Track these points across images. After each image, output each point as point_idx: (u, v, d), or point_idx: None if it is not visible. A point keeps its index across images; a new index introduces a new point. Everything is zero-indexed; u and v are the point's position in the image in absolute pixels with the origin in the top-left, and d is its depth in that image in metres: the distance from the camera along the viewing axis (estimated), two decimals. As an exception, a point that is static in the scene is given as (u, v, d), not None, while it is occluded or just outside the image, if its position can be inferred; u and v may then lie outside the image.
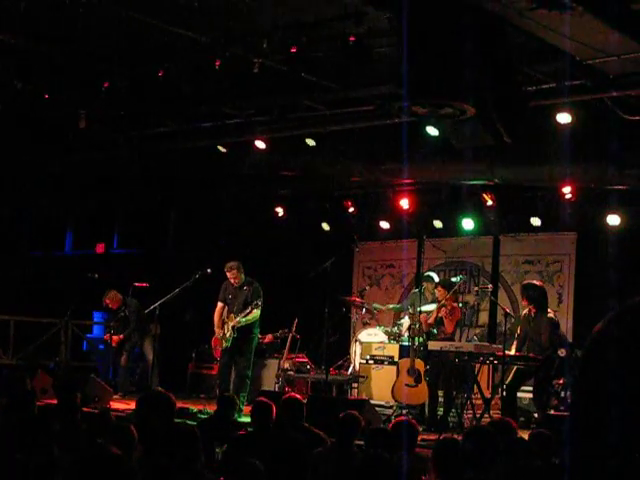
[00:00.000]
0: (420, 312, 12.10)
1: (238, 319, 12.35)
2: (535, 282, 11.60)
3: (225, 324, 12.54)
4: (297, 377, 13.66)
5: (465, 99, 7.91)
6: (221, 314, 12.68)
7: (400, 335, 13.03)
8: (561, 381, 11.14)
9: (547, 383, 10.86)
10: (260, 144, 13.29)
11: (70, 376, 13.19)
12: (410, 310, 12.30)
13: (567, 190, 12.69)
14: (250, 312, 12.29)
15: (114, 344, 13.83)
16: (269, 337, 14.18)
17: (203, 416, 10.65)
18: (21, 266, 17.84)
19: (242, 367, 12.48)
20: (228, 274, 12.61)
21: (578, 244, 13.75)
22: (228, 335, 12.45)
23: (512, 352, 10.89)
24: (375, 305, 14.15)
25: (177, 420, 7.25)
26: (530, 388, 11.17)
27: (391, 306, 14.50)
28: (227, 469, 5.20)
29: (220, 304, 12.74)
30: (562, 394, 11.15)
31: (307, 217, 15.58)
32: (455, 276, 13.71)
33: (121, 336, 13.75)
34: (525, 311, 11.19)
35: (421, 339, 12.07)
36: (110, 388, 12.62)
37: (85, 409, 10.29)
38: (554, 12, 7.63)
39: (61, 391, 8.20)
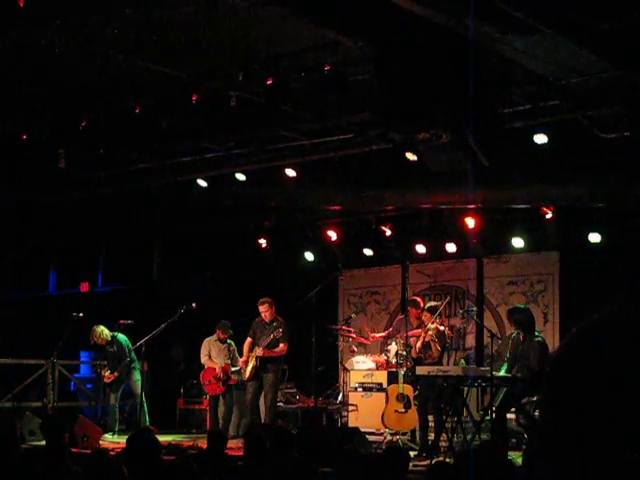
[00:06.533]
0: (408, 338, 12.11)
1: (262, 350, 12.57)
2: (520, 305, 11.61)
3: (250, 357, 12.77)
4: (287, 408, 13.61)
5: (441, 124, 7.97)
6: (249, 348, 12.88)
7: (388, 362, 13.02)
8: (534, 398, 11.13)
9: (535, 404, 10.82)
10: (240, 176, 13.32)
11: (58, 417, 13.08)
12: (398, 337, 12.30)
13: (547, 210, 12.74)
14: (276, 346, 12.61)
15: (108, 381, 13.65)
16: None
17: (193, 452, 10.58)
18: (4, 308, 17.73)
19: (270, 400, 12.67)
20: (260, 308, 12.81)
21: (561, 263, 13.78)
22: (250, 367, 12.63)
23: (501, 373, 10.88)
24: (363, 336, 14.14)
25: (169, 457, 7.21)
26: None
27: (378, 335, 14.41)
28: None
29: (249, 339, 12.96)
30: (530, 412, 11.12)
31: (290, 247, 15.59)
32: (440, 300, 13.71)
33: (116, 373, 13.54)
34: (513, 333, 11.16)
35: (409, 364, 12.06)
36: (99, 427, 12.54)
37: (74, 450, 10.26)
38: (524, 36, 7.71)
39: (49, 432, 8.14)
